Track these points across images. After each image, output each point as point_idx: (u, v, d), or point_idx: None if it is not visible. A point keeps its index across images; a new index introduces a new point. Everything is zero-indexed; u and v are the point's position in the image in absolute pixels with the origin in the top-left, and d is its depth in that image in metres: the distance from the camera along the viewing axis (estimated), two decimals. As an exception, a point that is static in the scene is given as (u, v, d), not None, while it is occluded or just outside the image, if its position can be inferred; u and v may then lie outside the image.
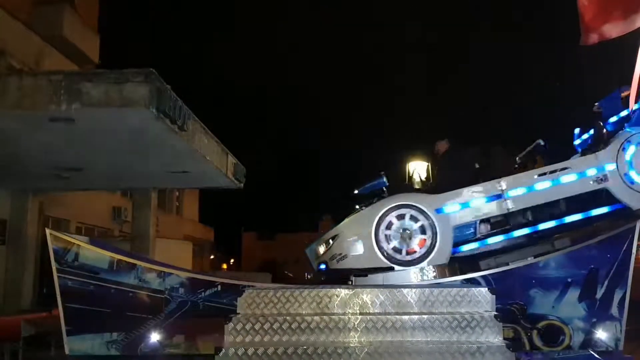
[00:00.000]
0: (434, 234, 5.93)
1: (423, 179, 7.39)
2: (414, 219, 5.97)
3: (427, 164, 8.03)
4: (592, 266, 5.83)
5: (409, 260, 5.97)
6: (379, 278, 6.24)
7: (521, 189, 6.15)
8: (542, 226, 6.16)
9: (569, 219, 6.15)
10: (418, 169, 12.21)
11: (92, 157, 10.59)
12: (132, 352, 6.03)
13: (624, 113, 6.62)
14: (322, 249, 6.35)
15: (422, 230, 5.96)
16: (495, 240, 6.19)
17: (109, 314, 6.09)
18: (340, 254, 6.09)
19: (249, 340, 4.85)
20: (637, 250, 5.89)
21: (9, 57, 10.49)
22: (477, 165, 6.60)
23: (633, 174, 6.08)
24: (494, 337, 4.81)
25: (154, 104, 7.94)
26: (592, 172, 6.15)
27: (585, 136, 7.09)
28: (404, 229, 5.96)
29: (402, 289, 5.23)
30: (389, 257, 5.96)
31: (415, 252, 5.96)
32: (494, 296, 5.18)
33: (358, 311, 5.10)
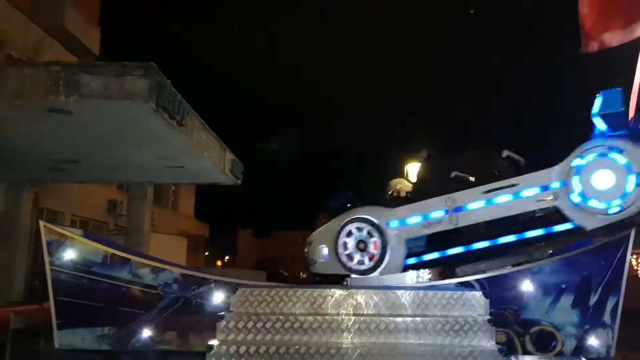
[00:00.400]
0: (384, 246, 6.35)
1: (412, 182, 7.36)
2: (368, 231, 6.43)
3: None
4: (586, 273, 5.83)
5: (361, 270, 6.46)
6: (373, 279, 6.31)
7: (469, 205, 6.16)
8: (478, 245, 6.16)
9: (504, 239, 6.07)
10: (411, 171, 12.26)
11: (89, 149, 10.55)
12: (123, 347, 6.00)
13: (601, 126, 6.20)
14: (305, 251, 6.93)
15: (373, 243, 6.39)
16: (450, 253, 6.31)
17: (100, 309, 6.06)
18: (313, 259, 6.75)
19: (241, 338, 4.83)
20: (631, 258, 5.90)
21: (9, 47, 10.44)
22: (453, 174, 6.54)
23: (578, 192, 5.76)
24: (487, 341, 4.81)
25: (154, 98, 7.91)
26: (534, 190, 5.94)
27: None
28: (360, 241, 6.44)
29: (397, 291, 5.22)
30: (344, 265, 6.49)
31: (364, 262, 6.44)
32: (488, 300, 5.18)
33: (352, 312, 5.09)
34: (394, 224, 6.40)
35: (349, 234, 6.46)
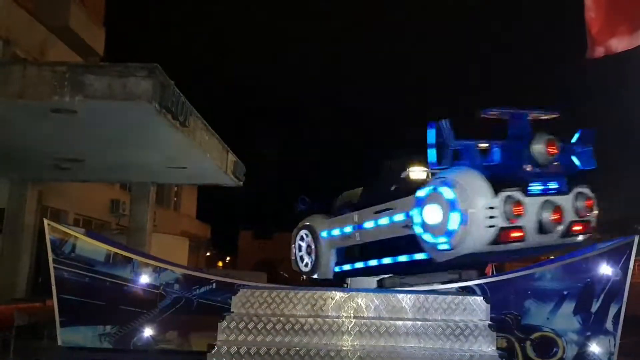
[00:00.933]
0: (317, 253, 6.97)
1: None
2: (312, 238, 7.07)
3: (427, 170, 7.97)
4: (589, 279, 5.83)
5: (305, 271, 7.23)
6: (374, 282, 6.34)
7: (365, 223, 6.27)
8: (372, 263, 6.18)
9: (385, 260, 5.99)
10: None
11: (92, 149, 10.59)
12: (125, 345, 6.02)
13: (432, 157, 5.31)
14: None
15: (312, 249, 7.06)
16: (360, 265, 6.42)
17: (103, 307, 6.09)
18: (291, 257, 7.51)
19: (242, 339, 4.84)
20: (634, 265, 5.88)
21: (14, 46, 10.49)
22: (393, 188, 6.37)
23: (420, 225, 5.30)
24: (487, 347, 4.79)
25: (157, 99, 7.95)
26: (400, 216, 5.64)
27: None
28: (308, 245, 7.13)
29: (397, 294, 5.22)
30: (298, 266, 7.35)
31: (308, 265, 7.15)
32: (489, 305, 5.16)
33: (352, 315, 5.09)
34: (324, 234, 6.90)
35: (302, 238, 7.20)
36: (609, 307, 5.76)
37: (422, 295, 5.21)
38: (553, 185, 5.19)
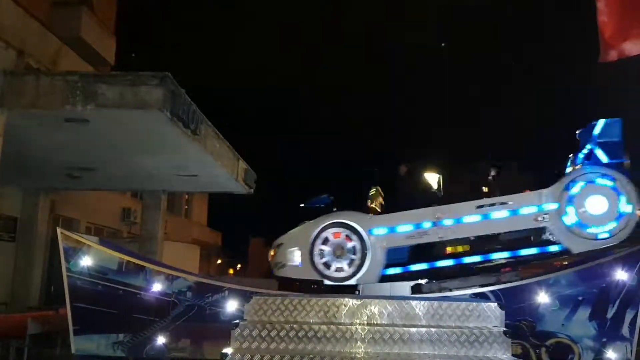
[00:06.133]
0: (364, 254, 6.07)
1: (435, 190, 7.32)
2: (347, 238, 6.14)
3: (439, 175, 7.96)
4: (604, 285, 5.77)
5: (337, 277, 6.16)
6: (385, 289, 6.27)
7: (455, 220, 5.97)
8: (467, 260, 6.03)
9: (498, 255, 5.97)
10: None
11: (104, 157, 10.66)
12: (138, 354, 6.03)
13: (589, 148, 6.10)
14: (271, 254, 6.58)
15: (353, 250, 6.11)
16: (422, 267, 6.15)
17: (116, 315, 6.10)
18: (281, 262, 6.35)
19: (255, 346, 4.83)
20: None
21: (27, 57, 10.59)
22: (434, 190, 6.54)
23: (571, 217, 5.73)
24: (502, 353, 4.76)
25: (168, 107, 7.99)
26: (531, 209, 5.86)
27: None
28: (338, 246, 6.14)
29: (411, 301, 5.19)
30: (319, 272, 6.16)
31: (343, 269, 6.13)
32: (504, 311, 5.12)
33: (365, 322, 5.07)
34: (379, 231, 6.12)
35: (326, 240, 6.17)
36: (625, 312, 5.70)
37: (435, 302, 5.18)
38: None
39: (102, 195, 16.76)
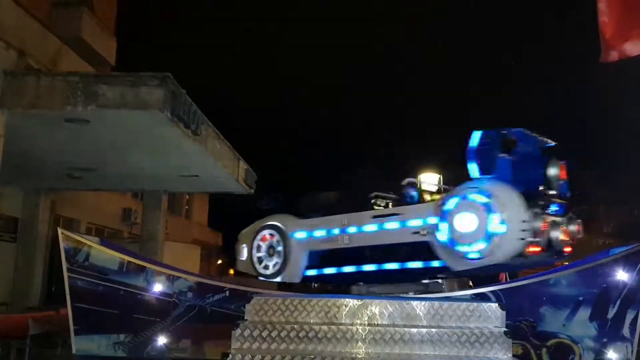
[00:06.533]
0: (286, 255, 6.30)
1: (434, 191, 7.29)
2: (277, 239, 6.43)
3: (438, 176, 7.96)
4: (605, 285, 5.76)
5: (265, 274, 6.48)
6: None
7: (356, 228, 5.96)
8: (366, 268, 5.93)
9: (389, 266, 5.78)
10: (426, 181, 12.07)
11: (105, 158, 10.67)
12: (139, 354, 6.04)
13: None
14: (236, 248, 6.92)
15: (278, 250, 6.37)
16: (343, 270, 6.13)
17: (116, 315, 6.12)
18: (236, 256, 6.81)
19: (256, 347, 4.83)
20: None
21: (27, 57, 10.60)
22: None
23: (444, 233, 5.23)
24: (503, 354, 4.75)
25: (169, 107, 8.00)
26: (417, 222, 5.52)
27: None
28: (270, 246, 6.46)
29: (411, 302, 5.19)
30: (254, 267, 6.55)
31: (269, 268, 6.41)
32: (504, 312, 5.12)
33: (366, 322, 5.07)
34: (300, 234, 6.35)
35: (262, 239, 6.52)
36: (625, 313, 5.69)
37: (436, 303, 5.18)
38: (556, 207, 5.44)
39: (103, 196, 16.78)
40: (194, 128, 9.04)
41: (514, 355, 4.84)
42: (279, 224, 6.44)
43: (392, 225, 5.76)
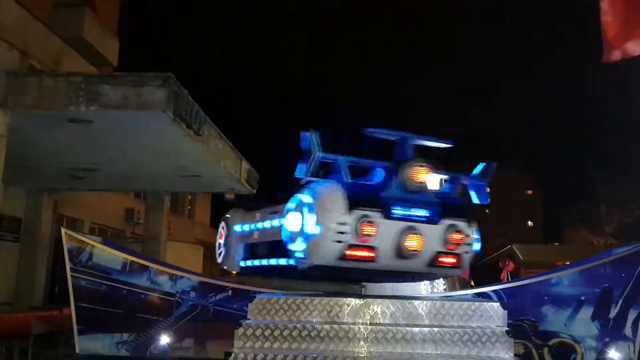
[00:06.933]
0: (228, 246, 6.40)
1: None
2: (225, 230, 6.58)
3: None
4: (606, 285, 5.77)
5: (218, 262, 6.60)
6: (388, 288, 6.29)
7: (259, 223, 5.95)
8: (263, 262, 5.86)
9: (269, 262, 5.67)
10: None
11: (107, 158, 10.69)
12: (142, 353, 6.07)
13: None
14: None
15: (226, 241, 6.50)
16: (257, 264, 6.06)
17: (120, 315, 6.14)
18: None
19: (259, 346, 4.84)
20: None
21: (30, 58, 10.63)
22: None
23: (285, 231, 5.09)
24: (505, 353, 4.76)
25: (171, 108, 8.01)
26: (277, 221, 5.44)
27: None
28: (225, 236, 6.57)
29: (414, 301, 5.20)
30: (216, 256, 6.69)
31: (219, 257, 6.54)
32: (506, 311, 5.13)
33: (368, 321, 5.07)
34: (237, 228, 6.42)
35: (222, 229, 6.70)
36: (627, 312, 5.70)
37: (438, 302, 5.19)
38: (421, 212, 4.99)
39: (106, 196, 16.82)
40: (196, 128, 9.05)
41: (515, 355, 4.85)
42: (228, 216, 6.59)
43: (273, 222, 5.64)
